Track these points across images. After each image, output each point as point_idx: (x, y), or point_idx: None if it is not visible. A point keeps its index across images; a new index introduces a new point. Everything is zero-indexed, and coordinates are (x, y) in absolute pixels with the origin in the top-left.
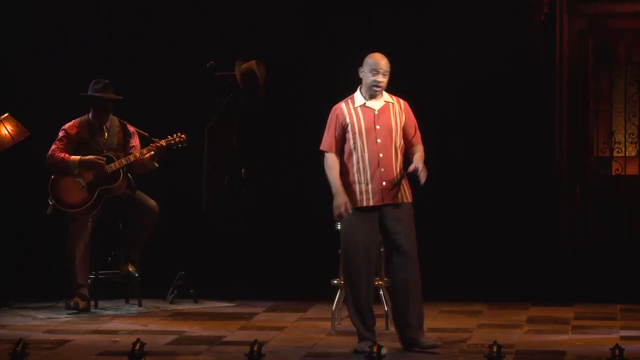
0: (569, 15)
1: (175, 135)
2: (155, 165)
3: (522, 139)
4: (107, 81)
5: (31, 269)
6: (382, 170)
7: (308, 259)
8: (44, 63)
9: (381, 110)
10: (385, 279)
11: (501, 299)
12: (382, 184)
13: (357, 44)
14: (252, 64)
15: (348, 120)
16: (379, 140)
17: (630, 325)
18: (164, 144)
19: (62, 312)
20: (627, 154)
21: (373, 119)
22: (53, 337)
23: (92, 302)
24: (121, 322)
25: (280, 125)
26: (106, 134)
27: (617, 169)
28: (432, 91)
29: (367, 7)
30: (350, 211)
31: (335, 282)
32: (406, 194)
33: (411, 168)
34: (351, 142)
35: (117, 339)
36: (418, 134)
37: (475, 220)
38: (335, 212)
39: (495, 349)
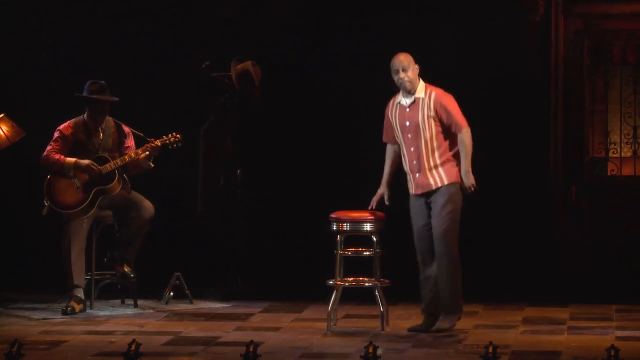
0: (564, 16)
1: (170, 135)
2: (150, 165)
3: (517, 139)
4: (103, 82)
5: (27, 270)
6: (414, 163)
7: (304, 259)
8: (40, 63)
9: (411, 106)
10: (382, 279)
11: (497, 300)
12: (416, 175)
13: (356, 44)
14: (248, 64)
15: (390, 116)
16: (409, 136)
17: (626, 325)
18: (159, 144)
19: (58, 312)
20: (622, 155)
21: (405, 115)
22: (48, 337)
23: (88, 303)
24: (117, 322)
25: (276, 126)
26: (101, 134)
27: (613, 170)
28: None
29: (366, 7)
30: (387, 202)
31: (331, 282)
32: (442, 178)
33: (463, 188)
34: (396, 136)
35: (113, 340)
36: (456, 120)
37: (471, 221)
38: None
39: (490, 349)
